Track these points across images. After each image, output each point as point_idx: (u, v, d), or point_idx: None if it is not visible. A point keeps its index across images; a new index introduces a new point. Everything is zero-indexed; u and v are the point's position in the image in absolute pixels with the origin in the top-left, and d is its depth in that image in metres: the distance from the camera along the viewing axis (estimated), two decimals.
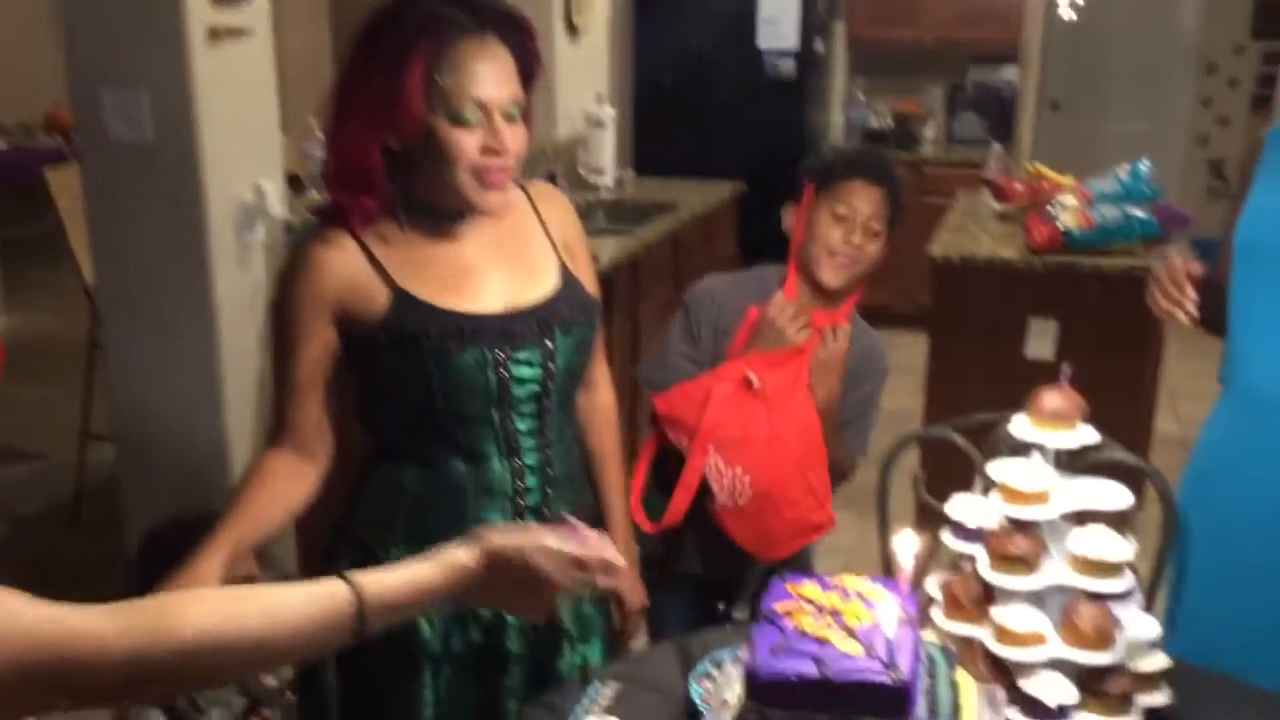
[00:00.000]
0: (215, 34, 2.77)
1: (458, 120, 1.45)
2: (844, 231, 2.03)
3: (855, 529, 3.43)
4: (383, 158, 1.46)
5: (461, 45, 1.44)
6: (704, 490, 2.05)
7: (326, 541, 1.67)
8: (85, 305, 3.83)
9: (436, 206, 1.53)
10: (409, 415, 1.57)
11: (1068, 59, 6.52)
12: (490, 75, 1.46)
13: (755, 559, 2.10)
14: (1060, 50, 6.46)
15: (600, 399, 1.79)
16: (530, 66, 1.52)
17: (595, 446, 1.78)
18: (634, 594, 1.82)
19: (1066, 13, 1.57)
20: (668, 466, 2.09)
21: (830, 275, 2.04)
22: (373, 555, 1.54)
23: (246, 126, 2.93)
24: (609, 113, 4.48)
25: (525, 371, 1.55)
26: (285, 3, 3.40)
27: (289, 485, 1.55)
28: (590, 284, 1.68)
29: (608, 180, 4.53)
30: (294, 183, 3.31)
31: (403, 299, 1.51)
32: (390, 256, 1.52)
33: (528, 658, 1.65)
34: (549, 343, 1.57)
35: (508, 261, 1.59)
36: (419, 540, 1.44)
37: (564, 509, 1.56)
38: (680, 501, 2.03)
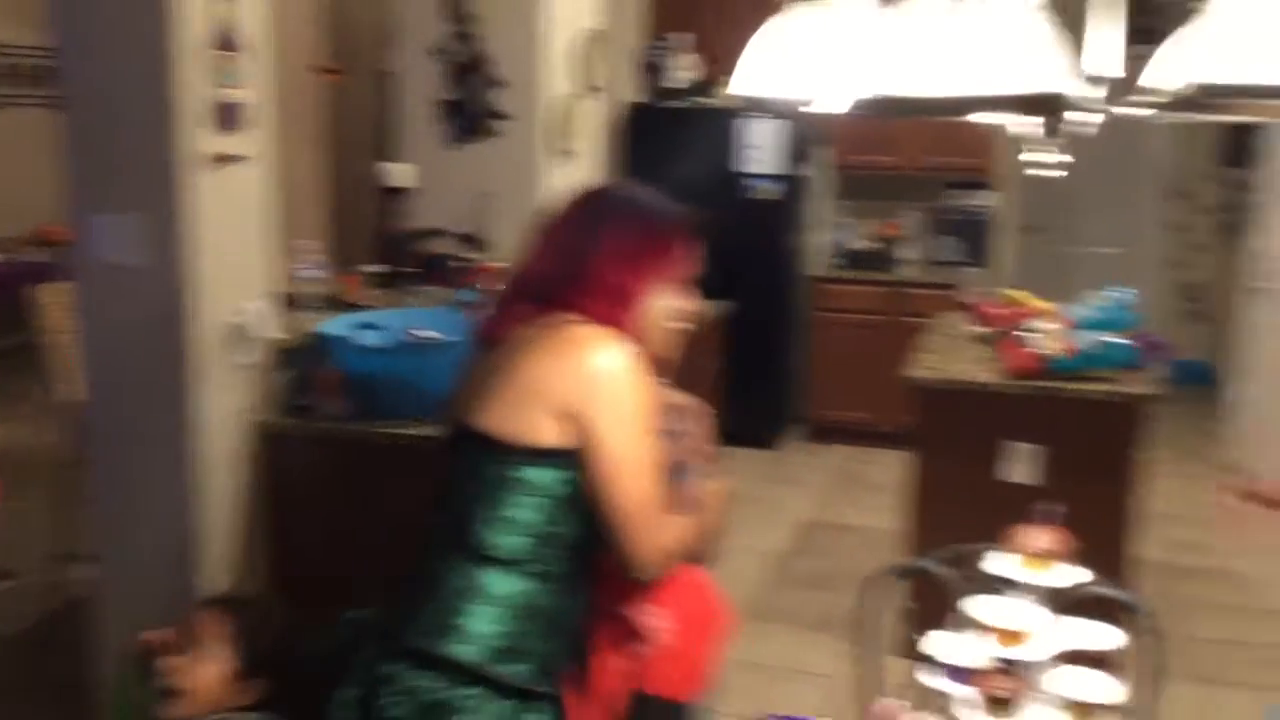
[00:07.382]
0: (212, 160, 2.83)
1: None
2: None
3: (834, 654, 3.40)
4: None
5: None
6: None
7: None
8: (60, 421, 3.82)
9: None
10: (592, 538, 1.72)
11: (1040, 185, 6.69)
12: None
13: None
14: (1032, 177, 6.63)
15: None
16: None
17: None
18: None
19: (1032, 170, 1.60)
20: None
21: None
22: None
23: (241, 250, 2.97)
24: None
25: None
26: (291, 130, 3.48)
27: None
28: None
29: None
30: (288, 302, 3.34)
31: None
32: None
33: None
34: None
35: None
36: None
37: None
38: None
